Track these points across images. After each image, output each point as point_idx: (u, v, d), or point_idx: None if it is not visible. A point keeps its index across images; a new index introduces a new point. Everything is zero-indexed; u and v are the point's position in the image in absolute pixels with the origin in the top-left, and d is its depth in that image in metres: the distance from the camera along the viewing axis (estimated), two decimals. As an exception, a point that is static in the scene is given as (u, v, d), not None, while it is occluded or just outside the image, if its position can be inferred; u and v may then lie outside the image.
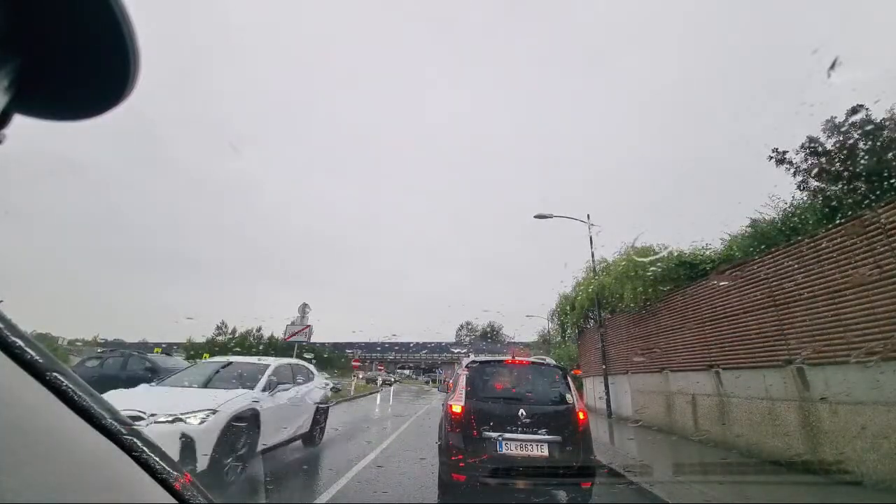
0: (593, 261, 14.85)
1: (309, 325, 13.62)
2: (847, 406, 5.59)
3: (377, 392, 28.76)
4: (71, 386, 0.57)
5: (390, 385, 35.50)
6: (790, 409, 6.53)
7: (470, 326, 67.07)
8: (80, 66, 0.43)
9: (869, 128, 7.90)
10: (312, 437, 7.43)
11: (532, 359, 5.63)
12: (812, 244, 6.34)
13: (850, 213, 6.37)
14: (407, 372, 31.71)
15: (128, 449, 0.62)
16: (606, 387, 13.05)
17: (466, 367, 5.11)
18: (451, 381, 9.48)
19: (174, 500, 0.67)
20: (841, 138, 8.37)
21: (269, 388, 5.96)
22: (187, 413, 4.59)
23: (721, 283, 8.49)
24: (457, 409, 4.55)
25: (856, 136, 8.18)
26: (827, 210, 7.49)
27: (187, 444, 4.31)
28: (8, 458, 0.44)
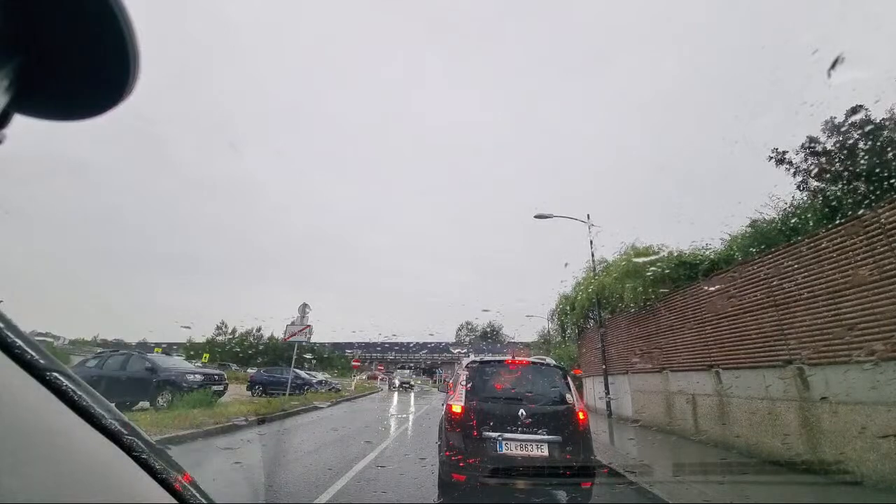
0: (593, 261, 14.85)
1: (309, 325, 13.60)
2: (847, 406, 5.59)
3: (376, 392, 28.66)
4: (71, 386, 0.57)
5: (409, 388, 30.37)
6: (790, 409, 6.53)
7: (470, 326, 67.16)
8: (80, 66, 0.42)
9: (869, 128, 7.91)
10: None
11: (532, 359, 5.62)
12: (812, 244, 6.34)
13: (850, 213, 6.37)
14: (407, 372, 30.13)
15: (128, 449, 0.62)
16: (606, 387, 13.05)
17: (466, 367, 5.11)
18: (451, 381, 9.48)
19: (174, 500, 0.67)
20: (841, 138, 8.38)
21: None
22: None
23: (721, 284, 8.50)
24: (457, 409, 4.55)
25: (856, 136, 8.18)
26: (827, 210, 7.49)
27: None
28: (8, 459, 0.44)
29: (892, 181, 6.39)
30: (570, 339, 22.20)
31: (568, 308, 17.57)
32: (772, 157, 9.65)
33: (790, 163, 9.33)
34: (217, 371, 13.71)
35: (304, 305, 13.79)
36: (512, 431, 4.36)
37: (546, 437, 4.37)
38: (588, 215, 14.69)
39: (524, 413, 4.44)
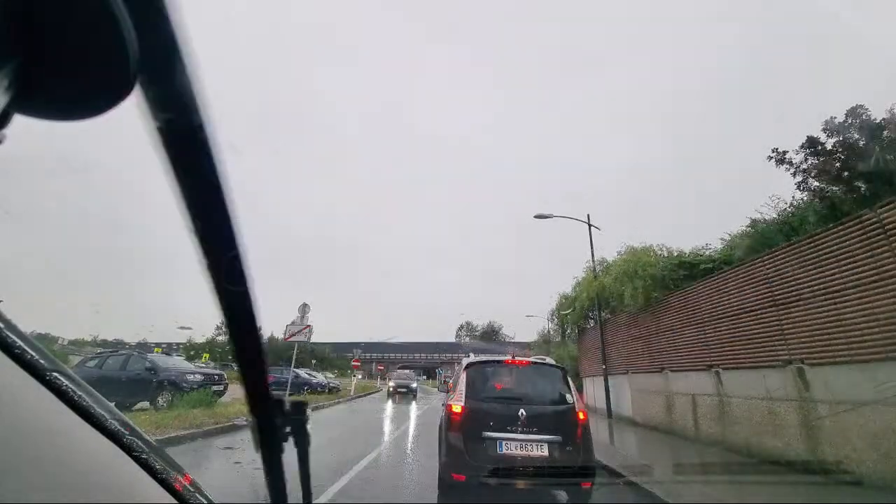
0: (593, 261, 14.85)
1: (309, 325, 13.56)
2: (847, 406, 5.59)
3: (376, 392, 28.61)
4: (71, 386, 0.57)
5: (411, 396, 23.14)
6: (790, 409, 6.53)
7: (470, 326, 67.08)
8: (80, 66, 0.42)
9: (869, 128, 7.91)
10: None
11: (532, 359, 5.61)
12: (812, 244, 6.34)
13: (850, 213, 6.37)
14: (407, 373, 28.54)
15: (128, 449, 0.62)
16: (606, 387, 13.05)
17: (466, 367, 5.10)
18: (451, 381, 9.49)
19: (174, 501, 0.66)
20: (841, 138, 8.38)
21: None
22: None
23: (721, 284, 8.49)
24: (457, 409, 4.55)
25: (856, 136, 8.19)
26: (827, 210, 7.50)
27: None
28: (8, 459, 0.44)
29: (892, 181, 6.39)
30: (570, 339, 22.24)
31: (568, 308, 17.60)
32: (772, 157, 9.66)
33: (790, 163, 9.34)
34: (217, 371, 13.70)
35: (305, 305, 13.76)
36: (512, 431, 4.36)
37: (546, 437, 4.36)
38: (588, 215, 14.71)
39: (524, 413, 4.44)
